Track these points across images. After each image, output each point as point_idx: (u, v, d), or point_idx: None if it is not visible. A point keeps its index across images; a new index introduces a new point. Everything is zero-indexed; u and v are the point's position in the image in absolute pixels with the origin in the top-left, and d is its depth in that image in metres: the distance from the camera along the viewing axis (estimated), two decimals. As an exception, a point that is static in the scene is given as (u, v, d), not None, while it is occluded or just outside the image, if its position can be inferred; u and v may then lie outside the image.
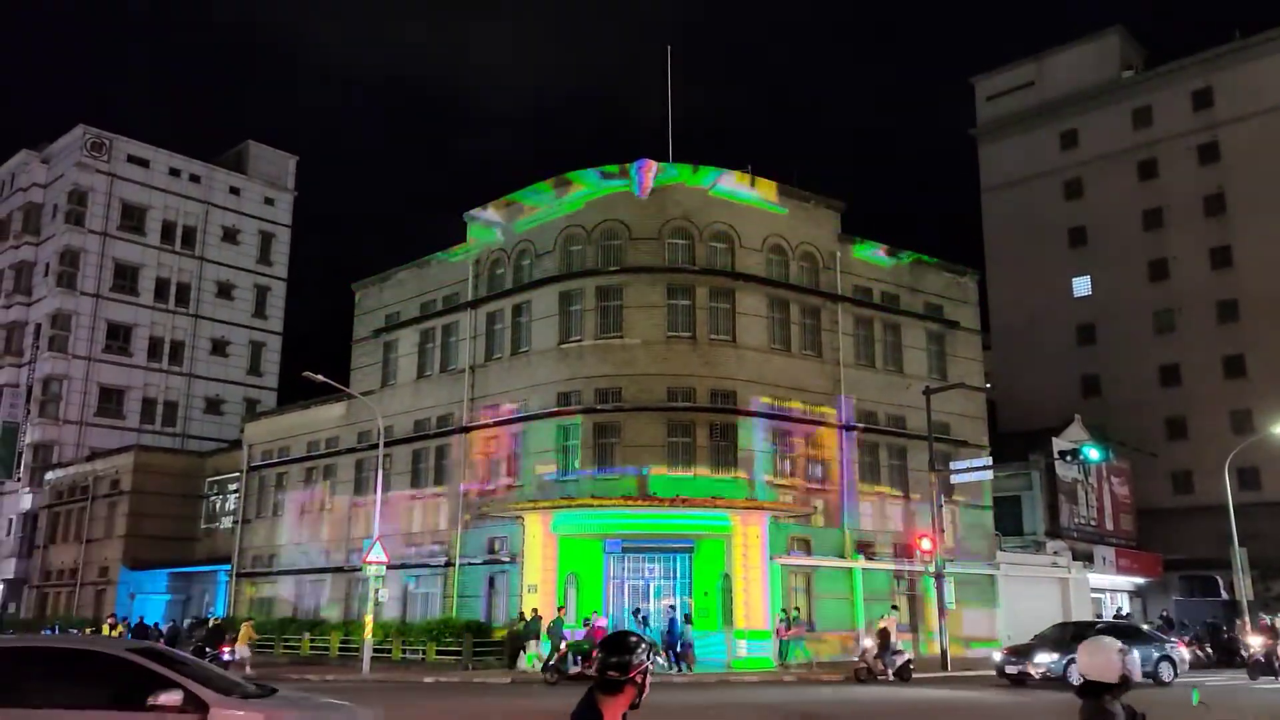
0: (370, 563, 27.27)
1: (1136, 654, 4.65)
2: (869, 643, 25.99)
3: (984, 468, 32.08)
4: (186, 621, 42.03)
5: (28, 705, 6.94)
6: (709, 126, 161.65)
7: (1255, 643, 27.11)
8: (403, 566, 33.78)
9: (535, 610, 27.39)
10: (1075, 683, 20.11)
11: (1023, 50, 58.62)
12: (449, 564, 33.10)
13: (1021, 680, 23.11)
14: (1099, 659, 4.55)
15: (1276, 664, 25.42)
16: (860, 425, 33.51)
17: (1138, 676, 4.52)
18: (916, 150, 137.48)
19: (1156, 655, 23.85)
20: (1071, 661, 22.49)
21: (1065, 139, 55.50)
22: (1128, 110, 53.47)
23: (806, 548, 31.51)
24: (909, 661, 25.32)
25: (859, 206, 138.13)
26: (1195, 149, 51.09)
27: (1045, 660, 22.83)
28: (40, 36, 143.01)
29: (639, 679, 3.92)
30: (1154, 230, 51.65)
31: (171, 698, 6.97)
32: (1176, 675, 23.96)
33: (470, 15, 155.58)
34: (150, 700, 6.94)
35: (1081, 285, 53.78)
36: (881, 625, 26.26)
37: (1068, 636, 24.03)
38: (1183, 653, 25.37)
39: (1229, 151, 50.11)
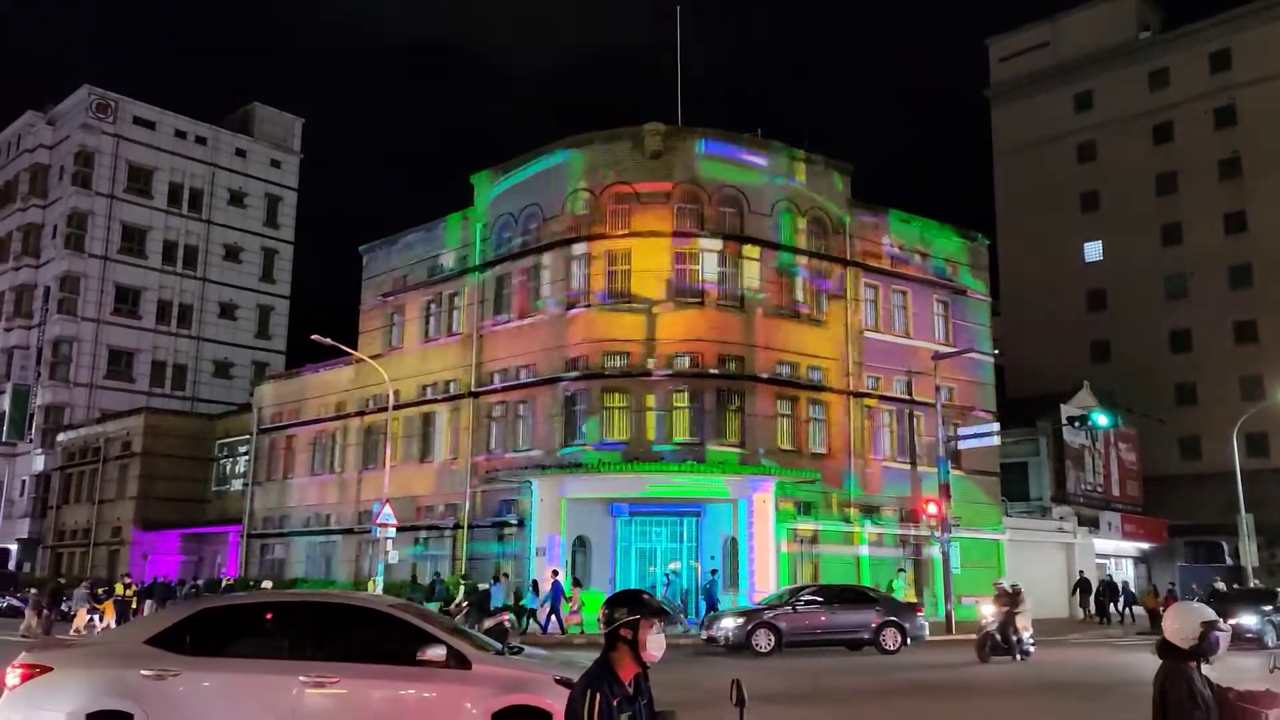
0: (380, 525, 27.52)
1: (1225, 626, 4.55)
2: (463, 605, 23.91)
3: (991, 434, 32.08)
4: (200, 581, 42.54)
5: (304, 657, 7.10)
6: (719, 89, 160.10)
7: (988, 612, 21.11)
8: (412, 529, 34.05)
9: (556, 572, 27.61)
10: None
11: (1038, 11, 57.80)
12: (458, 526, 33.37)
13: (722, 646, 21.43)
14: (1176, 623, 4.49)
15: (1015, 638, 20.05)
16: (868, 391, 33.48)
17: (1218, 649, 4.42)
18: (928, 113, 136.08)
19: (878, 621, 21.79)
20: (760, 626, 20.99)
21: (1079, 101, 54.81)
22: (1144, 72, 52.72)
23: (813, 513, 31.63)
24: (503, 624, 20.86)
25: (869, 170, 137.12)
26: (1212, 112, 50.43)
27: (729, 625, 21.53)
28: (40, 7, 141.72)
29: (626, 634, 3.97)
30: (1167, 194, 51.14)
31: (437, 653, 7.08)
32: (907, 643, 21.73)
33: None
34: (419, 655, 7.06)
35: (1093, 250, 53.41)
36: (484, 588, 24.66)
37: (779, 601, 22.63)
38: (920, 620, 22.73)
39: (1246, 114, 49.44)
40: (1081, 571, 34.27)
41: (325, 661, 7.04)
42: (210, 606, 8.06)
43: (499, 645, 7.84)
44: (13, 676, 7.05)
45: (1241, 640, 21.60)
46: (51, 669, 7.08)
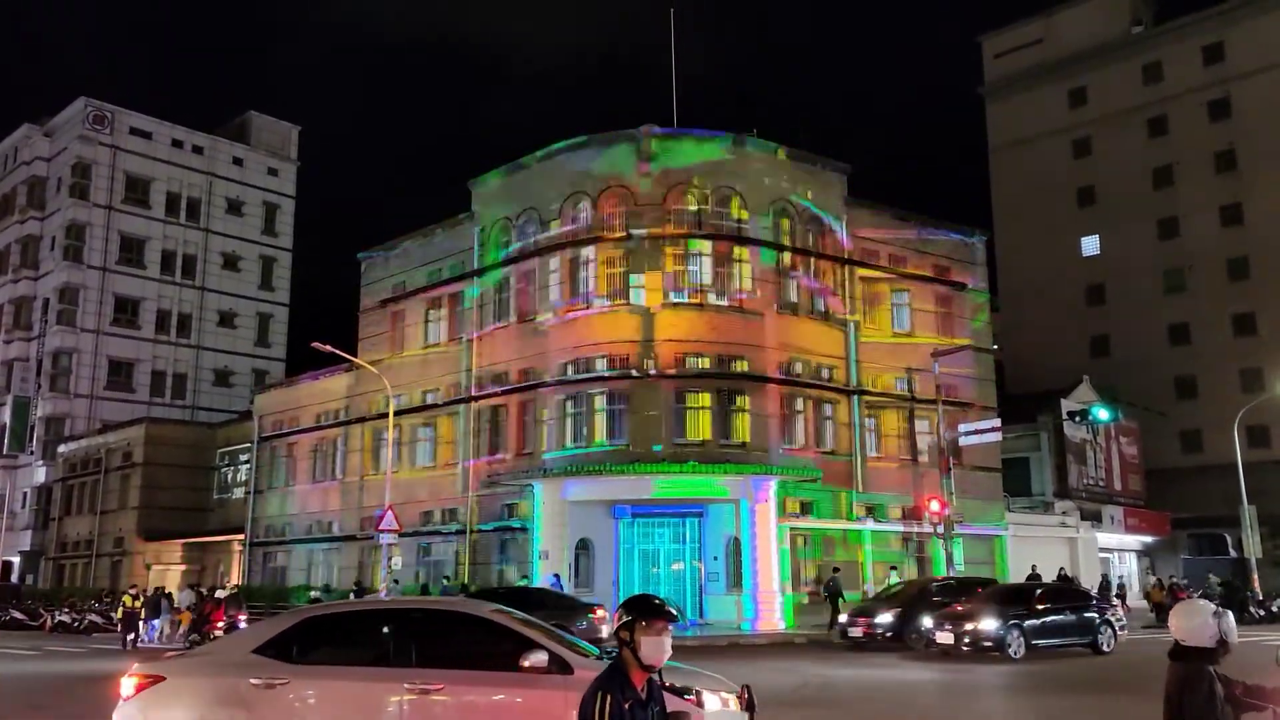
0: (383, 531, 27.51)
1: (1231, 617, 4.40)
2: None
3: (992, 430, 32.09)
4: (203, 590, 42.53)
5: (408, 665, 7.11)
6: (719, 89, 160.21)
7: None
8: (415, 534, 34.06)
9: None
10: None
11: (1031, 7, 57.86)
12: (461, 531, 33.37)
13: None
14: (1194, 622, 4.34)
15: None
16: (868, 389, 33.50)
17: (1234, 640, 4.34)
18: (924, 111, 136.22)
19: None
20: None
21: (1074, 97, 54.86)
22: (1137, 66, 52.77)
23: (815, 511, 31.64)
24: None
25: (867, 167, 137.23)
26: (1206, 105, 50.48)
27: None
28: (38, 7, 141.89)
29: (625, 637, 3.97)
30: (1164, 188, 51.18)
31: (539, 659, 7.00)
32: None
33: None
34: (521, 661, 7.01)
35: (1090, 245, 53.44)
36: (226, 594, 25.26)
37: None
38: (591, 622, 21.44)
39: (1240, 107, 49.51)
40: (1034, 566, 33.66)
41: (428, 668, 7.06)
42: (314, 615, 8.13)
43: (598, 650, 7.75)
44: (128, 686, 7.18)
45: (978, 648, 19.28)
46: (164, 678, 7.21)
